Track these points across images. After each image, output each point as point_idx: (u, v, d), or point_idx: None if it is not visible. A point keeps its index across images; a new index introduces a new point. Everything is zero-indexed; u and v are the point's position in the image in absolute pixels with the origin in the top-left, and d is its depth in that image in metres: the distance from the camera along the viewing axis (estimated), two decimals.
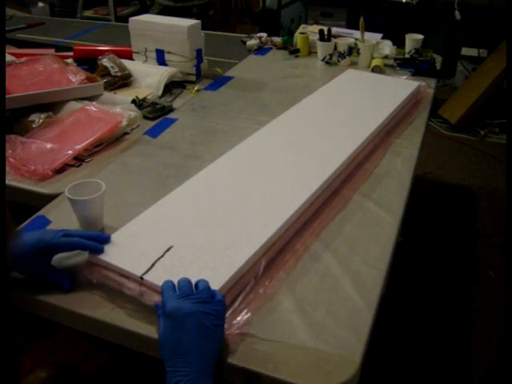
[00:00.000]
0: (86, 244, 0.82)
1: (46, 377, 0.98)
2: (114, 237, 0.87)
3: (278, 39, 2.10)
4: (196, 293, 0.71)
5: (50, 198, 1.07)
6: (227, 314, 0.76)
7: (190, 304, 0.69)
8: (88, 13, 3.58)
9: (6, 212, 0.55)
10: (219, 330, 0.70)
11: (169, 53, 1.67)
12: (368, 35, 1.88)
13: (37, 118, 1.29)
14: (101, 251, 0.83)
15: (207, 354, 0.67)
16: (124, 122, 1.29)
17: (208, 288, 0.73)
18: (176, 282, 0.74)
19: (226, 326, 0.73)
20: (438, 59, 1.86)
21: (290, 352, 0.72)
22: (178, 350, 0.66)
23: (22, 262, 0.79)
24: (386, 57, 1.89)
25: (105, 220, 0.96)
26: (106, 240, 0.85)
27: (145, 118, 1.43)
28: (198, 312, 0.68)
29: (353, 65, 1.86)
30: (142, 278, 0.78)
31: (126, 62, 1.64)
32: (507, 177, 2.12)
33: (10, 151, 1.17)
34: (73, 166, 1.18)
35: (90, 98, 1.42)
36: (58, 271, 0.83)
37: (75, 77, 1.44)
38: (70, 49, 1.80)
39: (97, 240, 0.84)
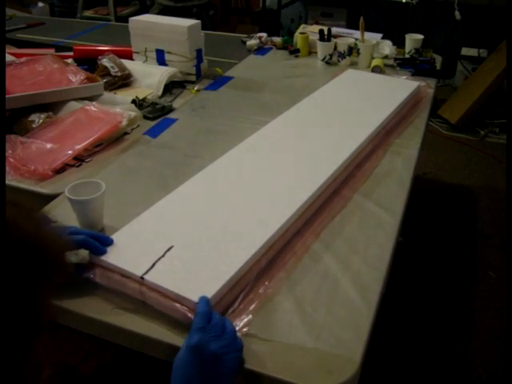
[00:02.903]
0: (92, 243, 0.82)
1: (45, 377, 0.98)
2: (115, 237, 0.87)
3: (278, 39, 2.10)
4: (224, 335, 0.69)
5: (50, 198, 1.07)
6: (227, 315, 0.76)
7: (217, 346, 0.67)
8: (88, 13, 3.58)
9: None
10: (236, 370, 0.69)
11: (169, 53, 1.67)
12: (368, 35, 1.88)
13: (37, 118, 1.29)
14: (103, 253, 0.83)
15: None
16: (124, 122, 1.29)
17: (235, 332, 0.71)
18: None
19: None
20: (438, 59, 1.86)
21: (290, 352, 0.72)
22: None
23: None
24: (386, 57, 1.89)
25: (105, 220, 0.96)
26: (109, 242, 0.85)
27: (145, 118, 1.43)
28: (223, 356, 0.67)
29: (353, 65, 1.86)
30: (142, 278, 0.78)
31: (126, 62, 1.64)
32: (507, 177, 2.12)
33: (10, 151, 1.17)
34: (73, 166, 1.19)
35: (90, 98, 1.42)
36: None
37: (75, 77, 1.44)
38: (70, 49, 1.80)
39: (101, 241, 0.84)
